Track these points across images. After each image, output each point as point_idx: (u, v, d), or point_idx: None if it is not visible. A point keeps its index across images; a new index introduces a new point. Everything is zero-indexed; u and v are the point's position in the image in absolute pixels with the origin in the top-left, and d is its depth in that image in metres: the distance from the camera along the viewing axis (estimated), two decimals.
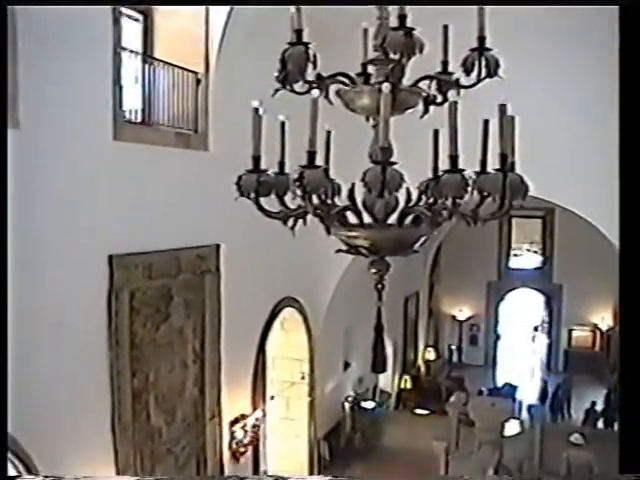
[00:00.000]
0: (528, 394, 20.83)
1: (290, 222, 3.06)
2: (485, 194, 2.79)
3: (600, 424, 18.18)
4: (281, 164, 3.14)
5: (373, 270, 3.03)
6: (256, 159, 3.07)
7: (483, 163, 2.81)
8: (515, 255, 26.03)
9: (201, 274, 9.41)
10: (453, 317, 25.72)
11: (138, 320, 8.24)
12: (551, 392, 20.32)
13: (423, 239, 3.02)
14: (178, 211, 8.71)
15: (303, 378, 13.33)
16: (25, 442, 6.50)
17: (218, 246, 9.64)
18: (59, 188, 6.91)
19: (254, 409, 11.21)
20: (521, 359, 26.27)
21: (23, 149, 6.24)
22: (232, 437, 10.53)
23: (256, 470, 11.59)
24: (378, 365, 3.05)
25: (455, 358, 25.47)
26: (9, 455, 6.43)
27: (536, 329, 28.77)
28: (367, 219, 2.93)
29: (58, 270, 6.95)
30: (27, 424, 6.49)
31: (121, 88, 7.68)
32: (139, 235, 8.09)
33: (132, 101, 8.21)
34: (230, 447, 10.51)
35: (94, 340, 7.61)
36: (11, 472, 6.60)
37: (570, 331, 24.97)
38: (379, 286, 3.06)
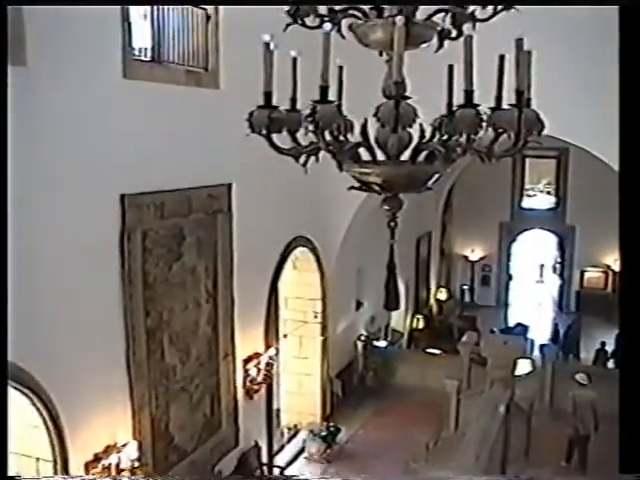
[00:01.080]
0: (540, 334, 20.92)
1: (302, 159, 3.01)
2: (500, 130, 2.74)
3: (610, 364, 18.29)
4: (293, 100, 3.09)
5: (386, 207, 2.99)
6: (267, 95, 3.01)
7: (498, 99, 2.75)
8: (528, 196, 25.86)
9: (213, 214, 9.41)
10: (465, 257, 25.70)
11: (151, 260, 8.28)
12: (562, 332, 20.39)
13: (436, 176, 2.97)
14: (189, 150, 8.66)
15: (316, 317, 13.42)
16: (41, 378, 6.62)
17: (230, 185, 9.61)
18: (68, 127, 6.87)
19: (267, 347, 11.32)
20: (533, 299, 26.36)
21: (30, 86, 6.19)
22: (246, 375, 10.66)
23: (269, 407, 11.77)
24: (391, 302, 3.04)
25: (467, 298, 25.54)
26: (27, 392, 6.56)
27: (542, 268, 28.77)
28: (380, 156, 2.89)
29: (69, 211, 6.95)
30: (45, 362, 6.60)
31: (130, 25, 7.57)
32: (150, 174, 8.07)
33: (142, 39, 8.09)
34: (244, 385, 10.66)
35: (107, 280, 7.67)
36: (30, 410, 6.74)
37: (582, 272, 24.95)
38: (392, 224, 3.03)
